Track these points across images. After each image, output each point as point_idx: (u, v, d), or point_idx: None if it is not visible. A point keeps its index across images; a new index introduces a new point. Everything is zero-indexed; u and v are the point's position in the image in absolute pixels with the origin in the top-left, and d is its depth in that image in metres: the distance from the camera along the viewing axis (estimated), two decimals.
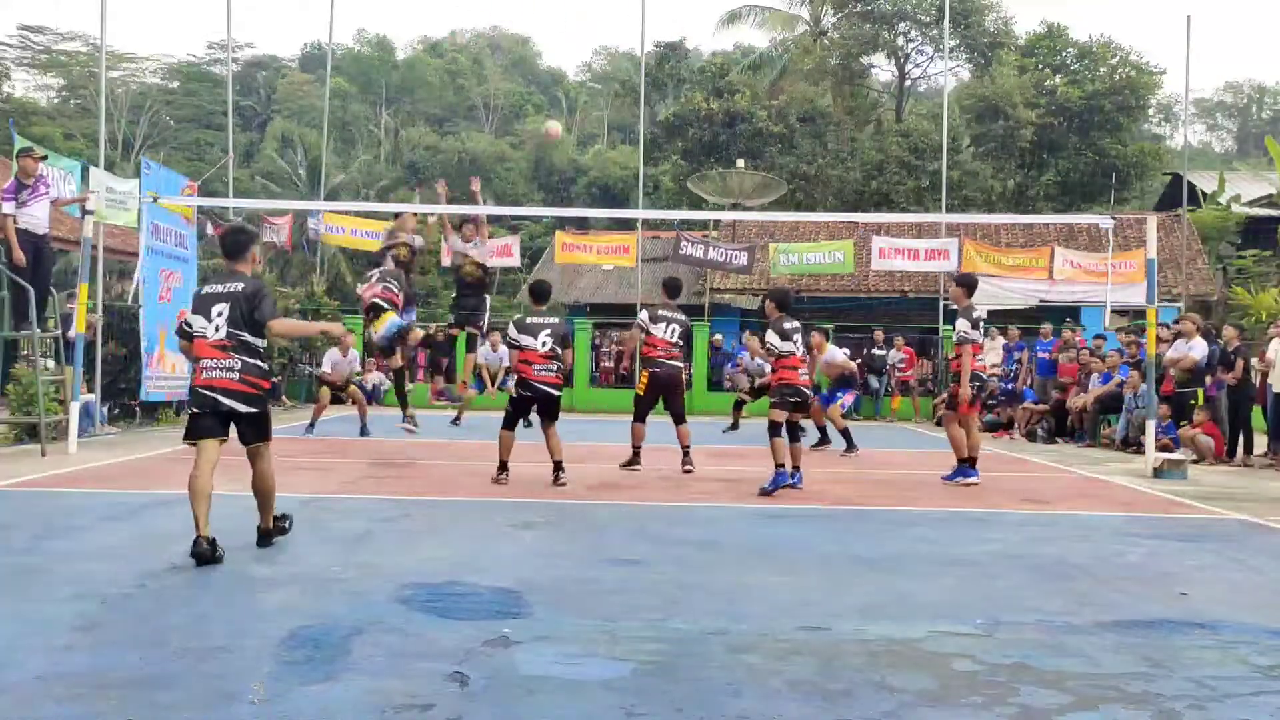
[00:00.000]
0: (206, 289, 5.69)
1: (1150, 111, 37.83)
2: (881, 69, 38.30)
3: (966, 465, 9.46)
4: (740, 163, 27.34)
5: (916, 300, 24.01)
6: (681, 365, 10.18)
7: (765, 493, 8.36)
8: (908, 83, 37.88)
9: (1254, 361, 12.93)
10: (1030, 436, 15.48)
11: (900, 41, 35.51)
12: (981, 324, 9.85)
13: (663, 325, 9.87)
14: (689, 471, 9.81)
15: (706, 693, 3.52)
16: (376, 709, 3.29)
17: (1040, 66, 33.42)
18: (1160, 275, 19.41)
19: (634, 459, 9.86)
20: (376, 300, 10.59)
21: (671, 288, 10.26)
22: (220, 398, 5.49)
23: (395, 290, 10.86)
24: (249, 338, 5.51)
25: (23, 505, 7.30)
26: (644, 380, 9.98)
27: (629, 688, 3.55)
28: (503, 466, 8.73)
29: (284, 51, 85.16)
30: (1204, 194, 29.18)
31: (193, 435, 5.61)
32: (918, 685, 3.65)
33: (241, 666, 3.67)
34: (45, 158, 11.93)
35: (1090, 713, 3.44)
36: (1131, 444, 13.08)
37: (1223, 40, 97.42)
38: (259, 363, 5.57)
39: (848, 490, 9.10)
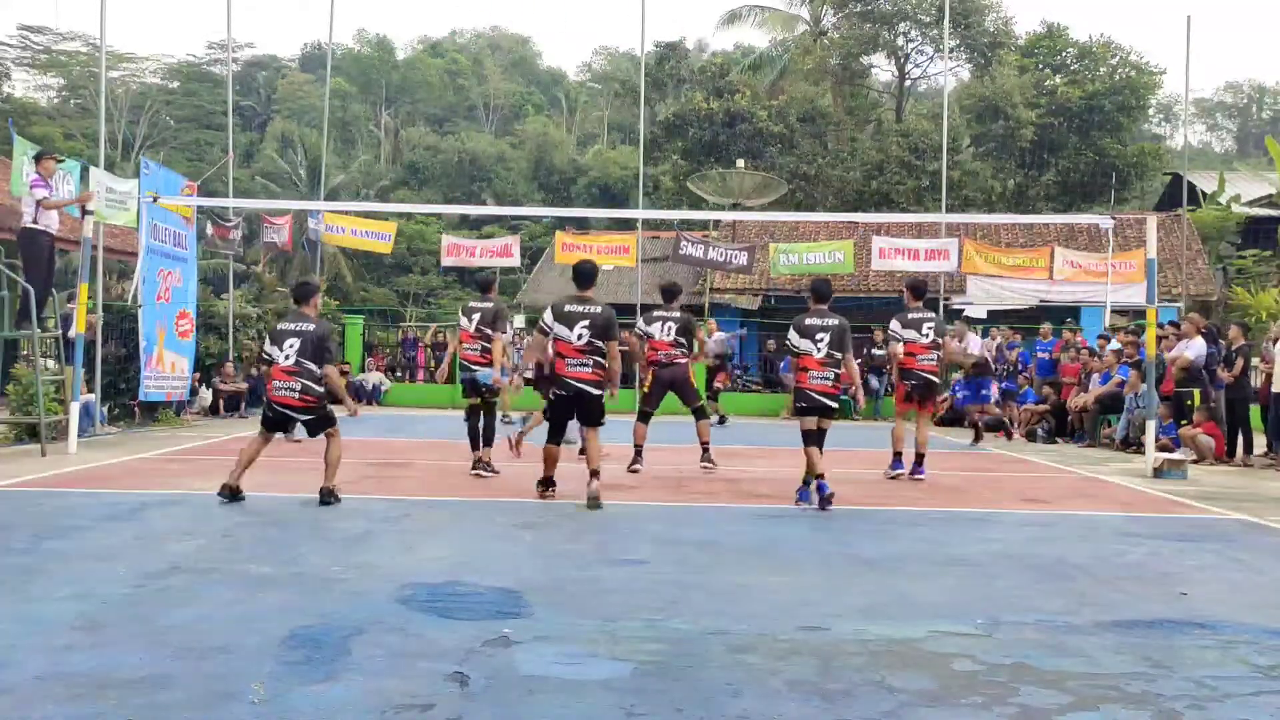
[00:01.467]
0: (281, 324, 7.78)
1: (1150, 111, 37.87)
2: (881, 69, 38.32)
3: (897, 459, 9.86)
4: (740, 163, 27.33)
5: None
6: (684, 361, 10.09)
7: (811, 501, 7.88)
8: (908, 83, 37.88)
9: (1255, 361, 12.92)
10: (1030, 436, 15.48)
11: (900, 41, 35.51)
12: (925, 324, 9.89)
13: (658, 325, 9.97)
14: (708, 469, 9.86)
15: (706, 693, 3.52)
16: (376, 709, 3.29)
17: (1040, 66, 33.42)
18: (1160, 275, 19.42)
19: (636, 458, 9.86)
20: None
21: (667, 293, 10.32)
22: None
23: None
24: (312, 366, 7.44)
25: (23, 505, 7.30)
26: (648, 380, 10.09)
27: (629, 688, 3.55)
28: (547, 481, 7.88)
29: (284, 51, 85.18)
30: (1204, 194, 29.19)
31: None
32: (918, 685, 3.65)
33: (241, 666, 3.67)
34: (62, 161, 12.28)
35: (1090, 713, 3.44)
36: (1132, 444, 13.08)
37: (1223, 40, 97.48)
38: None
39: (848, 490, 9.09)
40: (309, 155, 47.78)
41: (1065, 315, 20.38)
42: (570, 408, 7.69)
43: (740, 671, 3.76)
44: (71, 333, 11.03)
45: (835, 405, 8.06)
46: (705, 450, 10.09)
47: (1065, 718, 3.38)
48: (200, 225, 15.89)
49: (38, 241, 11.23)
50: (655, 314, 10.14)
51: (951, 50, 31.33)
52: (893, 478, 9.68)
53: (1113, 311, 18.55)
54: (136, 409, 13.97)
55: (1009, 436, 15.12)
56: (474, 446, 9.23)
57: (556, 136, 58.39)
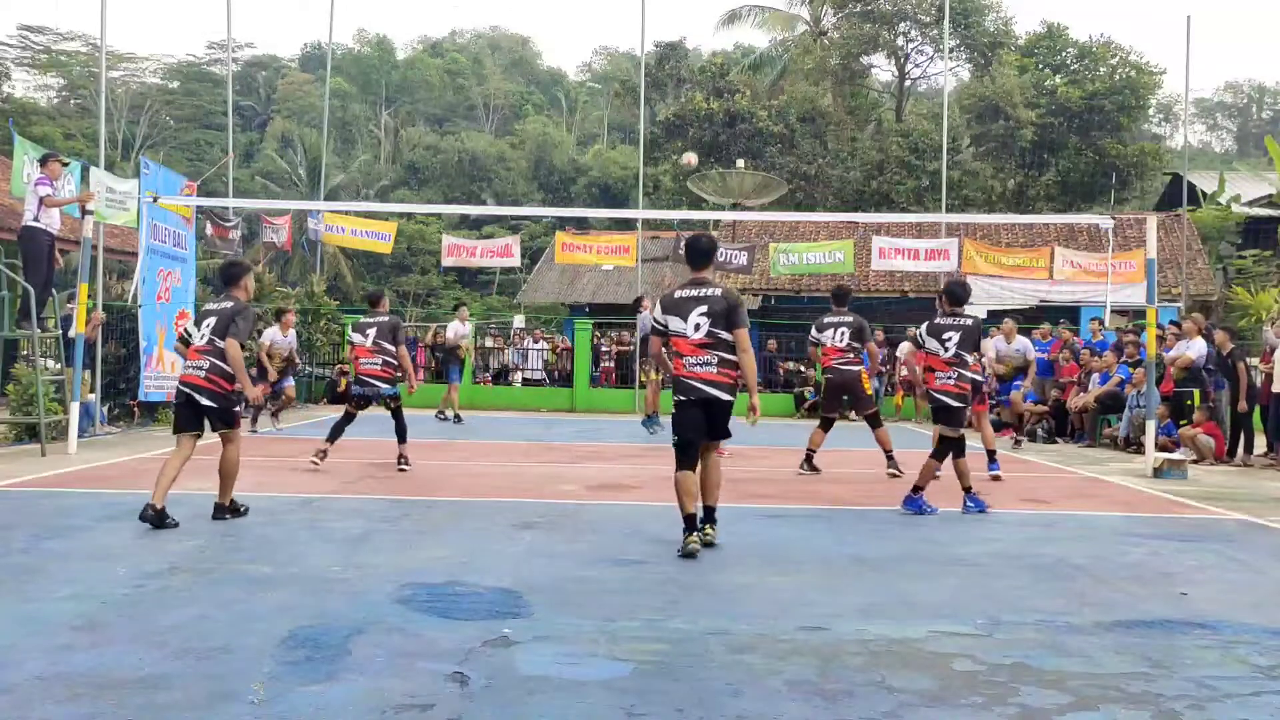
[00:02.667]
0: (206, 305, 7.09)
1: (1150, 111, 37.82)
2: (881, 69, 38.32)
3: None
4: (740, 163, 27.34)
5: (916, 300, 23.99)
6: (856, 367, 10.23)
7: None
8: (908, 83, 37.87)
9: (1254, 362, 12.91)
10: (1030, 436, 15.47)
11: (900, 41, 35.51)
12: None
13: (830, 331, 10.18)
14: (894, 475, 9.85)
15: (706, 693, 3.52)
16: (376, 709, 3.29)
17: (1040, 66, 33.41)
18: (1160, 275, 19.41)
19: (807, 461, 10.35)
20: None
21: (839, 296, 10.48)
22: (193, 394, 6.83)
23: None
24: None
25: (23, 505, 7.30)
26: (824, 386, 10.56)
27: (629, 688, 3.55)
28: (689, 523, 5.91)
29: (284, 51, 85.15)
30: (1204, 194, 29.18)
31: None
32: (918, 685, 3.65)
33: (241, 666, 3.67)
34: (69, 163, 12.36)
35: (1090, 713, 3.44)
36: (1133, 444, 13.08)
37: (1223, 40, 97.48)
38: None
39: (848, 490, 9.10)
40: (309, 155, 47.80)
41: (1065, 315, 20.36)
42: (700, 418, 5.97)
43: (740, 671, 3.76)
44: (71, 333, 11.02)
45: (957, 404, 7.81)
46: (889, 457, 10.09)
47: (1065, 718, 3.38)
48: (200, 225, 15.88)
49: (38, 240, 11.25)
50: (827, 319, 10.14)
51: (951, 50, 31.34)
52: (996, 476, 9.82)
53: (1113, 311, 18.54)
54: (136, 409, 13.97)
55: (1016, 442, 15.10)
56: (330, 440, 9.70)
57: (556, 136, 58.42)
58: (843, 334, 10.07)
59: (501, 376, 22.82)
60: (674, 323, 6.06)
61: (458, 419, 16.04)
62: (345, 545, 5.96)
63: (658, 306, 6.25)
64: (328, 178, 33.71)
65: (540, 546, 6.11)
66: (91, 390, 12.18)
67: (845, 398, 10.45)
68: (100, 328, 12.44)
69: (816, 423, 11.28)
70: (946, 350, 7.83)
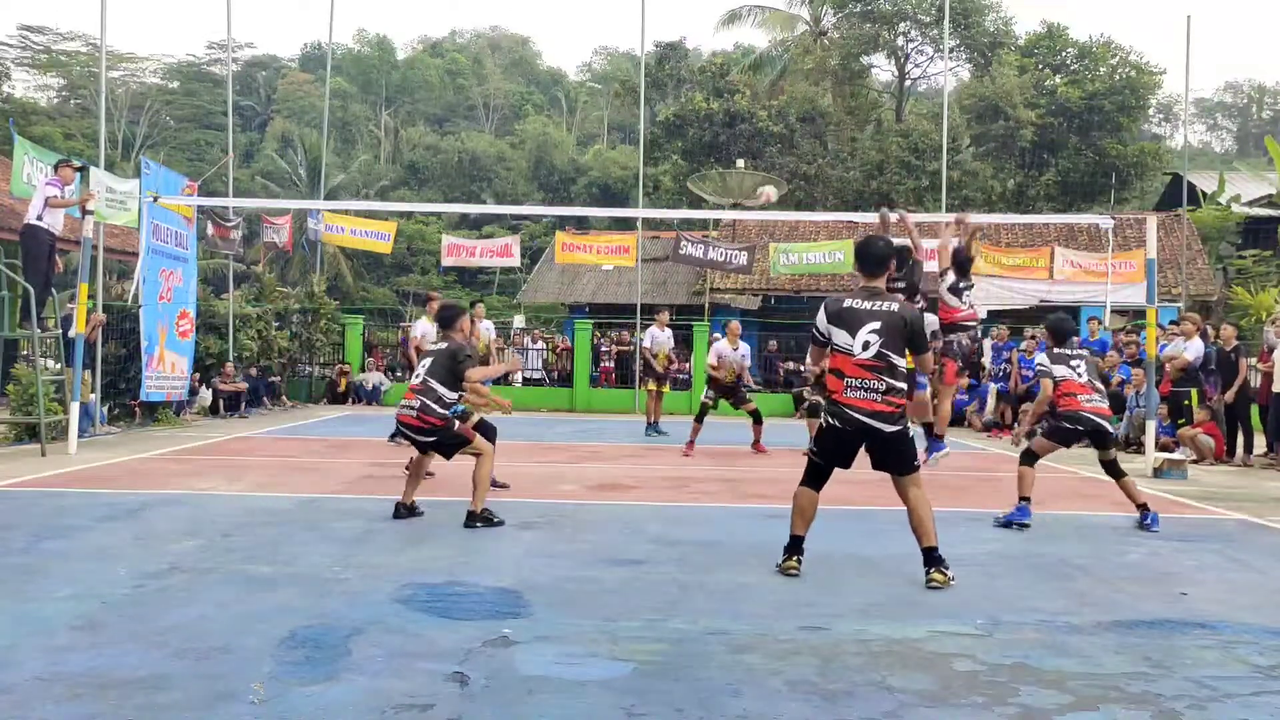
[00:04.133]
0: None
1: (1150, 111, 37.84)
2: (881, 69, 38.33)
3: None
4: (740, 163, 27.34)
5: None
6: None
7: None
8: (908, 83, 37.88)
9: (1253, 361, 12.91)
10: (1030, 436, 15.45)
11: (900, 41, 35.51)
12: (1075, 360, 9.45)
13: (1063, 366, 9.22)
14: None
15: (706, 693, 3.52)
16: (376, 709, 3.29)
17: (1040, 66, 33.41)
18: (1160, 275, 19.40)
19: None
20: None
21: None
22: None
23: None
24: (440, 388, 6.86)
25: (23, 505, 7.30)
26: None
27: (629, 688, 3.55)
28: (793, 544, 5.51)
29: (284, 51, 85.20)
30: (1204, 194, 29.17)
31: None
32: (918, 685, 3.65)
33: (241, 666, 3.67)
34: (82, 168, 12.43)
35: (1090, 713, 3.44)
36: (1133, 444, 13.08)
37: (1223, 40, 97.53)
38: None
39: (848, 490, 9.09)
40: (309, 155, 47.79)
41: (1065, 315, 20.37)
42: (848, 447, 5.36)
43: (740, 671, 3.76)
44: (71, 333, 11.03)
45: (1111, 429, 7.50)
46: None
47: (1065, 718, 3.38)
48: (200, 225, 15.89)
49: (39, 238, 11.25)
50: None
51: (951, 50, 31.34)
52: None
53: (1113, 311, 18.55)
54: (136, 409, 13.97)
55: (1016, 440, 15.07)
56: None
57: (556, 136, 58.44)
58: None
59: (501, 377, 22.80)
60: (839, 336, 5.25)
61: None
62: (345, 545, 5.96)
63: (821, 314, 5.37)
64: (328, 178, 33.71)
65: (540, 546, 6.11)
66: (92, 390, 12.18)
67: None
68: (100, 328, 12.45)
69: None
70: (1080, 376, 7.47)
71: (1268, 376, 12.39)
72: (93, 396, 12.27)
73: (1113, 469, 7.54)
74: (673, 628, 4.33)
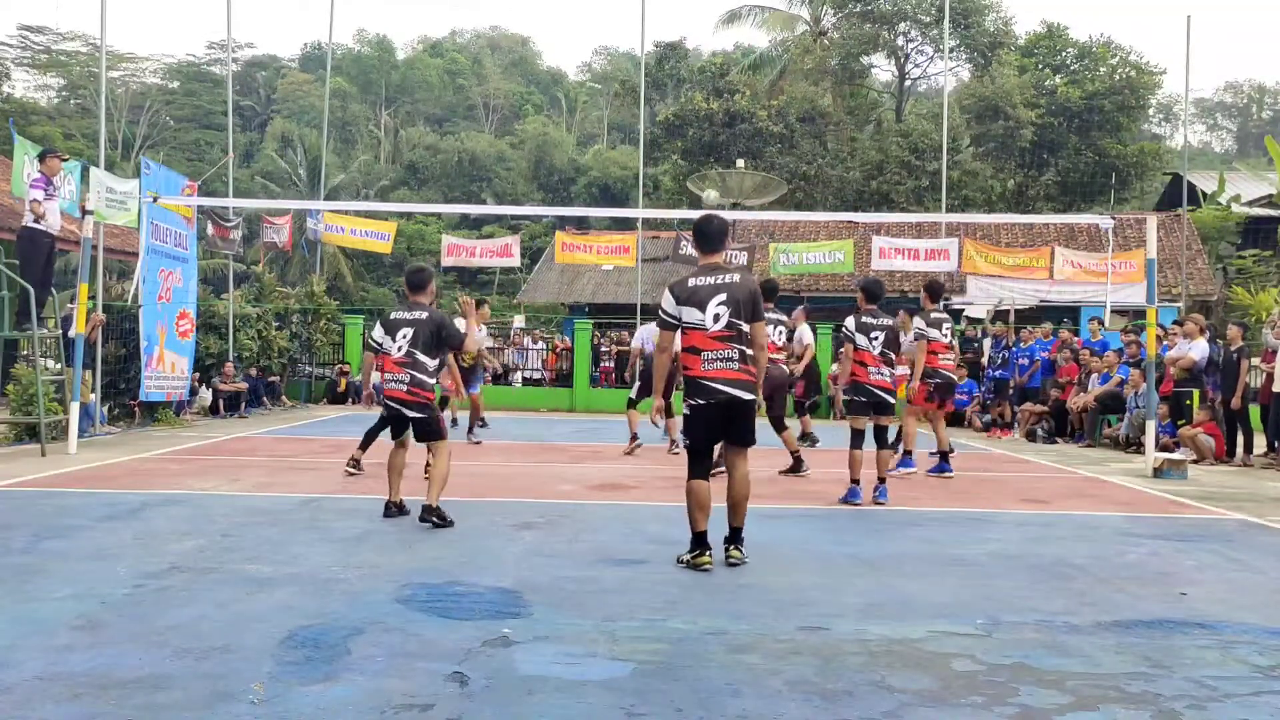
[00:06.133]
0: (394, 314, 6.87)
1: (1150, 111, 37.83)
2: (881, 69, 38.34)
3: (908, 457, 9.96)
4: (740, 163, 27.35)
5: (916, 300, 23.99)
6: (781, 360, 9.91)
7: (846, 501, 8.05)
8: (908, 83, 37.89)
9: (1254, 362, 12.90)
10: (1030, 436, 15.48)
11: (900, 41, 35.53)
12: (945, 325, 9.86)
13: (770, 328, 9.59)
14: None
15: (706, 693, 3.52)
16: (376, 709, 3.29)
17: (1040, 66, 33.45)
18: (1160, 275, 19.42)
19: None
20: None
21: (767, 289, 9.67)
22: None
23: None
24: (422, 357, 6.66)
25: (23, 505, 7.30)
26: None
27: (629, 688, 3.55)
28: (698, 540, 5.55)
29: (284, 51, 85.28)
30: (1204, 194, 29.18)
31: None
32: (918, 685, 3.65)
33: (241, 666, 3.67)
34: (68, 159, 12.33)
35: (1090, 713, 3.44)
36: (1133, 444, 13.08)
37: (1223, 40, 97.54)
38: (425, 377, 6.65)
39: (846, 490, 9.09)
40: (309, 155, 47.82)
41: (1065, 315, 20.38)
42: (718, 422, 5.49)
43: (740, 671, 3.76)
44: (71, 333, 11.03)
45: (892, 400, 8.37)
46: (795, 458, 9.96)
47: (1065, 718, 3.38)
48: (200, 225, 15.88)
49: (37, 242, 11.25)
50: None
51: (951, 50, 31.35)
52: (905, 477, 9.61)
53: (1113, 312, 18.56)
54: (136, 409, 13.97)
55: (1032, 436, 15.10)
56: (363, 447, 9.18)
57: (556, 136, 58.46)
58: (780, 333, 9.81)
59: (501, 376, 22.83)
60: (689, 314, 5.44)
61: (483, 424, 14.32)
62: (345, 545, 5.96)
63: (668, 296, 5.55)
64: (328, 178, 33.71)
65: (540, 546, 6.11)
66: (92, 390, 12.18)
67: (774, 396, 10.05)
68: (100, 328, 12.45)
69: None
70: (874, 347, 8.22)
71: (1269, 377, 12.39)
72: (93, 396, 12.26)
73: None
74: (672, 628, 4.33)
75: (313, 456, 10.71)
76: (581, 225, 36.69)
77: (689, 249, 20.03)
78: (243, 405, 16.37)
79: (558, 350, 23.48)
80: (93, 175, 12.54)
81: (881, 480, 8.16)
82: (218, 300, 18.69)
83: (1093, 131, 31.78)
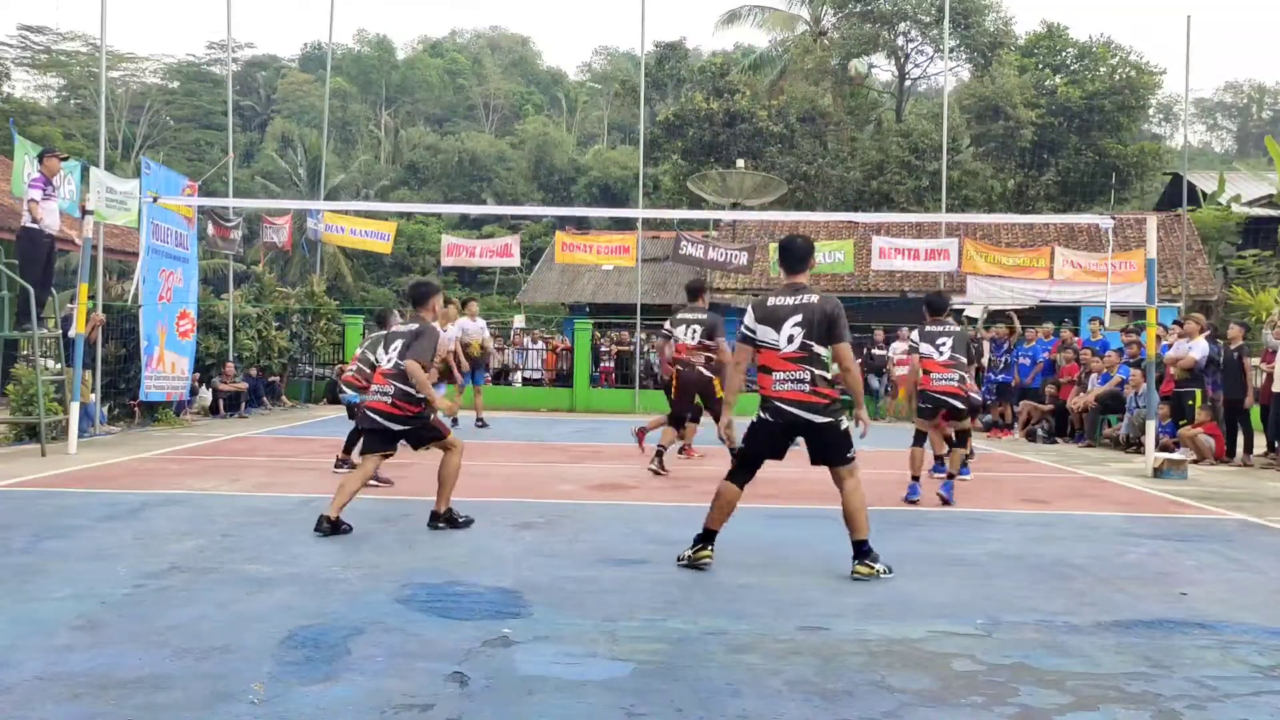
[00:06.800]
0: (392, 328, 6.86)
1: (1150, 111, 37.83)
2: (881, 69, 38.33)
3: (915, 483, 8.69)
4: (740, 163, 27.34)
5: (916, 300, 23.98)
6: (700, 363, 9.64)
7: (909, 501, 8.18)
8: (908, 83, 37.88)
9: (1255, 362, 12.90)
10: (1030, 436, 15.48)
11: (900, 41, 35.52)
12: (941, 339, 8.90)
13: (682, 328, 9.71)
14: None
15: (706, 693, 3.52)
16: (376, 709, 3.29)
17: (1040, 66, 33.43)
18: (1160, 275, 19.41)
19: (657, 458, 9.68)
20: None
21: (691, 290, 10.05)
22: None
23: None
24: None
25: (23, 505, 7.29)
26: (674, 384, 9.88)
27: (629, 688, 3.55)
28: (706, 535, 5.67)
29: (284, 51, 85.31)
30: (1204, 194, 29.17)
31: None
32: (918, 685, 3.65)
33: (241, 666, 3.67)
34: (67, 158, 12.29)
35: (1090, 713, 3.44)
36: (1133, 444, 13.08)
37: (1223, 40, 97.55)
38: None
39: None
40: (309, 155, 47.83)
41: (1065, 315, 20.38)
42: (780, 441, 5.50)
43: (740, 671, 3.76)
44: (72, 333, 11.02)
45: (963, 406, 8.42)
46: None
47: (1065, 718, 3.39)
48: (200, 225, 15.87)
49: (37, 241, 11.24)
50: (680, 315, 9.83)
51: (951, 50, 31.35)
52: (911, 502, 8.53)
53: (1113, 311, 18.56)
54: (136, 409, 13.96)
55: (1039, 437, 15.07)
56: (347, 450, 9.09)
57: (556, 136, 58.46)
58: (694, 331, 9.61)
59: (501, 376, 22.82)
60: (765, 333, 5.43)
61: (482, 424, 14.79)
62: (345, 545, 5.96)
63: (749, 313, 5.57)
64: (328, 178, 33.71)
65: (540, 546, 6.11)
66: (92, 390, 12.18)
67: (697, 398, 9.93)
68: (100, 328, 12.44)
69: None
70: (941, 353, 8.27)
71: (1269, 377, 12.38)
72: (93, 396, 12.26)
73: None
74: (673, 628, 4.33)
75: (313, 456, 10.71)
76: (581, 225, 36.69)
77: (689, 249, 20.05)
78: (243, 405, 16.36)
79: (557, 350, 23.47)
80: (93, 175, 12.54)
81: (950, 477, 8.34)
82: (218, 300, 18.68)
83: (1093, 131, 31.78)
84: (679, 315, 9.87)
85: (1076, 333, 18.04)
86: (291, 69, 68.30)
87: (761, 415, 5.48)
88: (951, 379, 8.21)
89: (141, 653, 3.82)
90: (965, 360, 8.47)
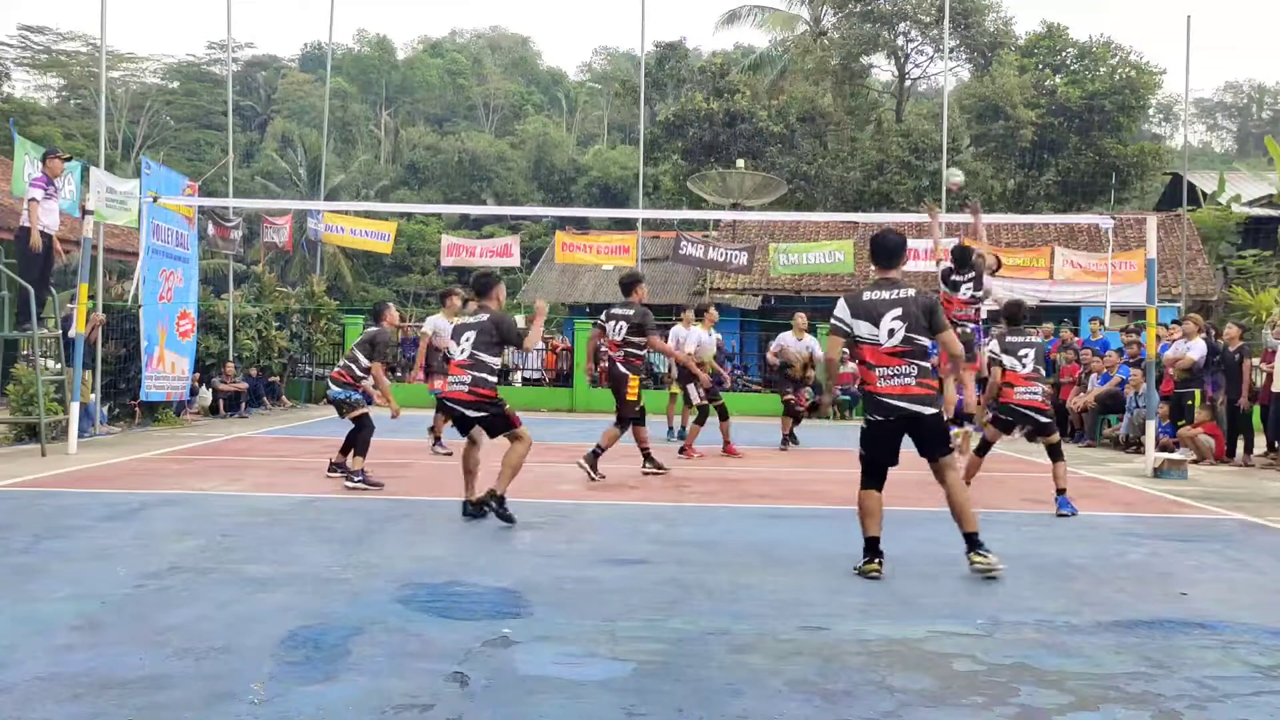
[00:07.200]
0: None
1: (1150, 111, 37.83)
2: (881, 69, 38.34)
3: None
4: (740, 163, 27.34)
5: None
6: (619, 360, 9.48)
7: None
8: (908, 83, 37.88)
9: (1257, 362, 12.91)
10: (1030, 437, 15.45)
11: (900, 41, 35.52)
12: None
13: (611, 323, 9.58)
14: (597, 478, 9.21)
15: (706, 693, 3.52)
16: (376, 709, 3.29)
17: (1040, 66, 33.41)
18: (1160, 275, 19.39)
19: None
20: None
21: (624, 285, 9.74)
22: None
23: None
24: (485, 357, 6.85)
25: (23, 505, 7.30)
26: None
27: (629, 688, 3.55)
28: (869, 546, 5.57)
29: (284, 51, 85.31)
30: (1204, 194, 29.15)
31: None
32: (918, 685, 3.65)
33: (241, 666, 3.67)
34: (70, 159, 12.26)
35: (1090, 713, 3.44)
36: (1133, 444, 13.08)
37: (1223, 40, 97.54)
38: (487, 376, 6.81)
39: (848, 490, 9.07)
40: (309, 155, 47.82)
41: (1065, 315, 20.37)
42: (894, 440, 5.50)
43: (740, 671, 3.76)
44: (72, 333, 11.02)
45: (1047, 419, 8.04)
46: (647, 457, 9.86)
47: (1065, 718, 3.38)
48: (200, 225, 15.88)
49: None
50: (612, 310, 9.67)
51: (951, 50, 31.35)
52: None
53: (1113, 311, 18.55)
54: (136, 409, 13.97)
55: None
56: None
57: (556, 136, 58.43)
58: (621, 328, 9.41)
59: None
60: (862, 328, 5.42)
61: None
62: (345, 545, 5.96)
63: (842, 307, 5.54)
64: (328, 178, 33.71)
65: (540, 546, 6.11)
66: (92, 390, 12.18)
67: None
68: (100, 328, 12.44)
69: (810, 420, 11.40)
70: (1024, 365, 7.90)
71: (1269, 376, 12.39)
72: (93, 396, 12.26)
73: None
74: (673, 628, 4.33)
75: (313, 456, 10.70)
76: (582, 225, 36.68)
77: (689, 249, 20.04)
78: (243, 405, 16.37)
79: (557, 350, 23.46)
80: (93, 175, 12.55)
81: (1060, 491, 7.89)
82: (218, 300, 18.68)
83: (1093, 131, 31.77)
84: (611, 310, 9.71)
85: (1076, 333, 18.05)
86: (291, 69, 68.25)
87: (872, 417, 5.48)
88: (1036, 393, 7.91)
89: (141, 653, 3.82)
90: (1045, 373, 8.25)
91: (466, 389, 6.78)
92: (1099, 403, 14.58)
